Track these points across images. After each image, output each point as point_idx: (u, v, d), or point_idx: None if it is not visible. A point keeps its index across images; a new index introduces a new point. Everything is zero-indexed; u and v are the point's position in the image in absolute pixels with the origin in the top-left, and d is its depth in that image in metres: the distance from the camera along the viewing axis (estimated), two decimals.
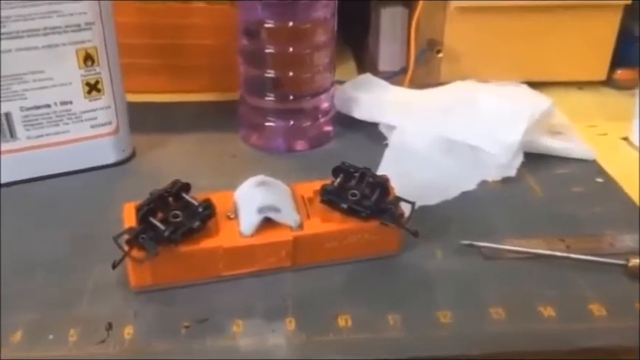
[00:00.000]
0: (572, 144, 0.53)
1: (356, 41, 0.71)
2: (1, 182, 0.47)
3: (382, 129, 0.55)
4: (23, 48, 0.44)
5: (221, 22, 0.59)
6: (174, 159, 0.52)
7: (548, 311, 0.37)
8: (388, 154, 0.51)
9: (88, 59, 0.46)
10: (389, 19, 0.63)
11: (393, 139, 0.53)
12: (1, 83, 0.44)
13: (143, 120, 0.55)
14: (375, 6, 0.65)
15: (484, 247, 0.42)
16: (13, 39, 0.43)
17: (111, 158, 0.50)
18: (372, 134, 0.55)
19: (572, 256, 0.41)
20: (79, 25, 0.45)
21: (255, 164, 0.52)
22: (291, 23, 0.50)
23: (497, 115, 0.51)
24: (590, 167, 0.51)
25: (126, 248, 0.36)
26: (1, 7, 0.42)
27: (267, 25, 0.50)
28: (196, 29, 0.59)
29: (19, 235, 0.43)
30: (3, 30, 0.43)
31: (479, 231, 0.43)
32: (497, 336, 0.36)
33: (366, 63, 0.68)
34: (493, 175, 0.49)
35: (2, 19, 0.43)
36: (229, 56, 0.55)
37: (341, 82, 0.58)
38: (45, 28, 0.44)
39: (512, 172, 0.49)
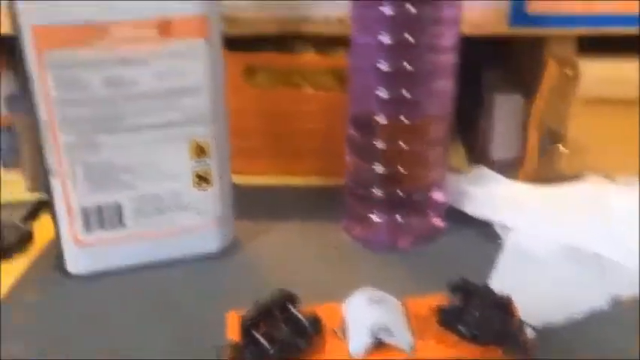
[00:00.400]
0: None
1: (464, 125, 0.68)
2: (105, 269, 0.47)
3: (497, 227, 0.51)
4: (140, 141, 0.44)
5: (329, 107, 0.58)
6: (276, 249, 0.51)
7: None
8: (503, 259, 0.47)
9: (200, 151, 0.46)
10: (504, 107, 0.60)
11: (508, 243, 0.49)
12: (115, 174, 0.45)
13: (247, 203, 0.54)
14: (488, 92, 0.62)
15: None
16: (130, 132, 0.44)
17: (214, 247, 0.50)
18: (486, 231, 0.51)
19: None
20: (195, 119, 0.45)
21: (358, 260, 0.50)
22: (404, 119, 0.48)
23: (632, 223, 0.46)
24: None
25: None
26: (122, 102, 0.43)
27: (378, 120, 0.48)
28: (305, 114, 0.59)
29: (113, 328, 0.42)
30: (122, 124, 0.43)
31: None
32: None
33: (476, 149, 0.65)
34: (627, 292, 0.44)
35: (122, 114, 0.43)
36: (335, 141, 0.54)
37: (451, 170, 0.55)
38: (162, 122, 0.44)
39: None
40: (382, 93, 0.47)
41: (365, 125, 0.49)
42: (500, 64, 0.65)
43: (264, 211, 0.56)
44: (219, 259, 0.49)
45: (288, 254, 0.50)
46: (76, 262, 0.47)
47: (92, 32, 0.40)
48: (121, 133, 0.44)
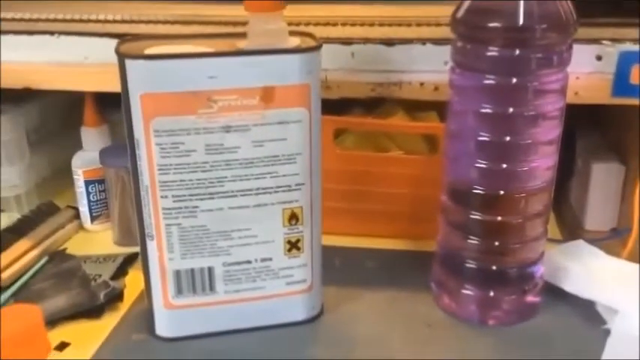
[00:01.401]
0: None
1: (557, 194, 0.66)
2: (194, 334, 0.47)
3: (599, 309, 0.48)
4: (235, 207, 0.44)
5: (417, 172, 0.57)
6: (362, 320, 0.49)
7: None
8: (611, 346, 0.44)
9: (293, 218, 0.46)
10: (602, 175, 0.58)
11: (616, 328, 0.46)
12: (210, 239, 0.44)
13: (334, 267, 0.54)
14: (584, 159, 0.60)
15: None
16: (227, 198, 0.44)
17: (301, 315, 0.48)
18: (586, 312, 0.48)
19: None
20: (289, 186, 0.44)
21: (449, 337, 0.48)
22: (502, 192, 0.46)
23: None
24: None
25: None
26: (221, 167, 0.43)
27: (476, 191, 0.46)
28: (392, 177, 0.58)
29: None
30: (219, 189, 0.43)
31: None
32: None
33: (568, 218, 0.62)
34: None
35: (220, 179, 0.43)
36: (422, 205, 0.52)
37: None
38: (258, 188, 0.44)
39: None
40: (481, 164, 0.46)
41: (461, 195, 0.48)
42: (597, 129, 0.63)
43: (352, 276, 0.55)
44: (307, 328, 0.48)
45: (375, 324, 0.49)
46: (166, 325, 0.47)
47: (198, 100, 0.41)
48: (218, 198, 0.43)
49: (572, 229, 0.60)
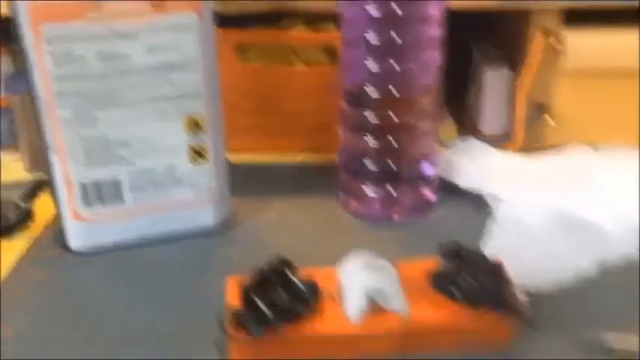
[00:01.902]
0: None
1: (453, 99, 0.69)
2: (105, 244, 0.48)
3: (488, 199, 0.52)
4: (135, 115, 0.45)
5: (321, 83, 0.58)
6: (272, 225, 0.52)
7: None
8: (496, 229, 0.48)
9: (195, 126, 0.47)
10: (494, 80, 0.61)
11: (500, 213, 0.50)
12: (112, 149, 0.45)
13: (243, 181, 0.55)
14: (477, 66, 0.63)
15: (608, 341, 0.38)
16: (126, 107, 0.44)
17: (211, 222, 0.50)
18: (478, 202, 0.52)
19: None
20: (188, 94, 0.46)
21: (354, 234, 0.51)
22: (395, 92, 0.49)
23: (617, 188, 0.47)
24: None
25: (229, 328, 0.35)
26: (117, 76, 0.43)
27: (369, 92, 0.49)
28: (297, 90, 0.59)
29: (118, 301, 0.43)
30: (117, 99, 0.44)
31: (601, 323, 0.40)
32: None
33: (465, 123, 0.66)
34: (614, 256, 0.45)
35: (118, 88, 0.44)
36: (329, 118, 0.54)
37: (442, 143, 0.56)
38: (157, 97, 0.45)
39: (636, 254, 0.45)
40: (372, 65, 0.48)
41: (356, 98, 0.50)
42: (489, 39, 0.66)
43: (260, 188, 0.57)
44: (217, 233, 0.50)
45: (284, 228, 0.51)
46: (77, 237, 0.48)
47: (86, 5, 0.41)
48: (117, 108, 0.44)
49: (469, 133, 0.64)
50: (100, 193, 0.46)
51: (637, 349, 0.37)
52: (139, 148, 0.46)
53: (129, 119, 0.45)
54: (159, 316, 0.41)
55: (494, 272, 0.38)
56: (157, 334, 0.40)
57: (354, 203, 0.53)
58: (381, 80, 0.48)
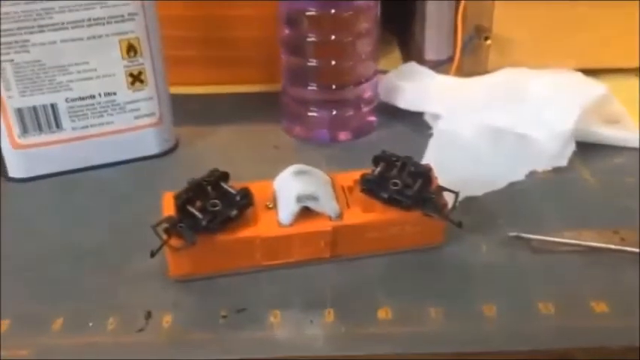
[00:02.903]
0: (629, 133, 0.50)
1: (401, 30, 0.70)
2: (47, 172, 0.48)
3: (427, 118, 0.53)
4: (68, 39, 0.45)
5: (264, 12, 0.58)
6: (216, 150, 0.52)
7: (601, 307, 0.36)
8: (433, 143, 0.50)
9: (131, 50, 0.47)
10: (435, 6, 0.61)
11: (437, 128, 0.51)
12: (47, 74, 0.45)
13: (186, 111, 0.55)
14: None
15: (533, 239, 0.40)
16: (57, 30, 0.44)
17: (154, 149, 0.51)
18: (417, 124, 0.54)
19: (627, 249, 0.39)
20: (122, 16, 0.45)
21: (297, 155, 0.52)
22: (333, 11, 0.49)
23: (548, 102, 0.49)
24: None
25: (164, 237, 0.36)
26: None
27: (308, 13, 0.49)
28: (239, 20, 0.59)
29: (61, 224, 0.43)
30: (48, 22, 0.44)
31: (527, 223, 0.42)
32: (546, 331, 0.34)
33: (411, 52, 0.66)
34: (543, 165, 0.47)
35: (47, 11, 0.43)
36: (273, 47, 0.55)
37: (386, 72, 0.57)
38: (89, 19, 0.44)
39: (564, 162, 0.47)
40: None
41: (295, 20, 0.50)
42: None
43: (204, 117, 0.57)
44: (160, 159, 0.51)
45: (228, 154, 0.52)
46: (17, 166, 0.48)
47: None
48: (49, 31, 0.44)
49: (415, 61, 0.65)
50: (37, 120, 0.46)
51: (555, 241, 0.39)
52: (75, 74, 0.46)
53: (62, 43, 0.45)
54: (97, 234, 0.42)
55: (421, 175, 0.39)
56: (96, 250, 0.41)
57: (297, 127, 0.54)
58: (318, 0, 0.49)
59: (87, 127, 0.48)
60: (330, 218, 0.38)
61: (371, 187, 0.38)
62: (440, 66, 0.60)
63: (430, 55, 0.63)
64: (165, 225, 0.36)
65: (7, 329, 0.35)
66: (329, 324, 0.35)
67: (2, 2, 0.42)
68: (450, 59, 0.60)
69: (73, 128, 0.48)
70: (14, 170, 0.48)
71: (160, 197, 0.39)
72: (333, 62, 0.51)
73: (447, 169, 0.42)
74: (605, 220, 0.42)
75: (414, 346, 0.34)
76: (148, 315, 0.36)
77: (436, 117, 0.53)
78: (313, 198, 0.37)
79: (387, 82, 0.55)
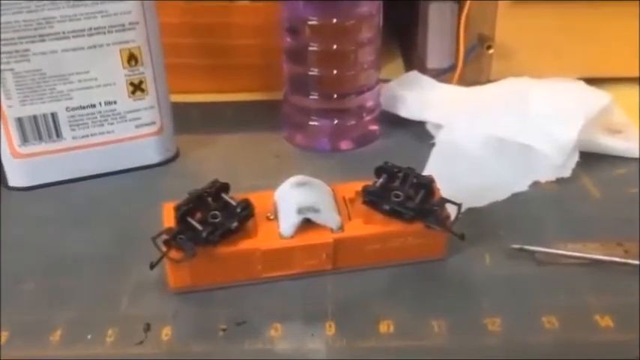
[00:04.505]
0: (632, 143, 0.50)
1: (404, 38, 0.69)
2: (47, 182, 0.48)
3: (429, 128, 0.53)
4: (68, 48, 0.44)
5: (265, 20, 0.58)
6: (217, 159, 0.52)
7: (605, 320, 0.35)
8: (435, 153, 0.49)
9: (132, 59, 0.46)
10: (437, 14, 0.61)
11: (439, 138, 0.51)
12: (47, 84, 0.45)
13: (187, 120, 0.55)
14: (423, 1, 0.63)
15: (536, 251, 0.40)
16: (58, 40, 0.44)
17: (155, 158, 0.50)
18: (419, 133, 0.53)
19: (631, 261, 0.38)
20: (123, 25, 0.45)
21: (298, 164, 0.51)
22: (334, 20, 0.49)
23: (551, 112, 0.48)
24: None
25: (164, 249, 0.36)
26: (47, 7, 0.43)
27: (310, 23, 0.49)
28: (240, 28, 0.59)
29: (61, 234, 0.43)
30: (48, 31, 0.43)
31: (531, 234, 0.41)
32: (549, 346, 0.34)
33: (414, 60, 0.66)
34: (546, 176, 0.47)
35: (48, 20, 0.43)
36: (274, 55, 0.54)
37: (388, 81, 0.57)
38: (89, 29, 0.44)
39: (567, 173, 0.46)
40: None
41: (297, 29, 0.50)
42: None
43: (205, 126, 0.57)
44: (161, 168, 0.51)
45: (229, 164, 0.51)
46: (16, 175, 0.47)
47: None
48: (50, 40, 0.44)
49: (417, 69, 0.64)
50: (37, 130, 0.46)
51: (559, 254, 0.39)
52: (76, 83, 0.46)
53: (63, 53, 0.44)
54: (98, 244, 0.42)
55: (424, 187, 0.39)
56: (96, 261, 0.40)
57: (299, 136, 0.54)
58: (320, 10, 0.48)
59: (87, 136, 0.48)
60: (331, 230, 0.38)
61: (373, 198, 0.38)
62: (442, 75, 0.60)
63: (432, 63, 0.63)
64: (164, 237, 0.36)
65: (6, 341, 0.35)
66: (330, 337, 0.35)
67: (3, 12, 0.42)
68: (453, 68, 0.60)
69: (74, 137, 0.47)
70: (14, 179, 0.48)
71: (161, 207, 0.38)
72: (335, 71, 0.51)
73: (449, 179, 0.41)
74: (609, 232, 0.41)
75: (416, 359, 0.33)
76: (147, 327, 0.35)
77: (438, 126, 0.52)
78: (314, 210, 0.37)
79: (389, 91, 0.55)
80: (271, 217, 0.38)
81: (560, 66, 0.58)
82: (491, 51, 0.59)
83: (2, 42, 0.43)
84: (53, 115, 0.46)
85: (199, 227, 0.36)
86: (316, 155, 0.53)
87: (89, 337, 0.35)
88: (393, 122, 0.54)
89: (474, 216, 0.42)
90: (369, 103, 0.53)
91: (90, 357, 0.34)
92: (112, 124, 0.48)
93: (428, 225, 0.38)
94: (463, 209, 0.39)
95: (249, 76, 0.61)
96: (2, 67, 0.43)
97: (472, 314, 0.36)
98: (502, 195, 0.45)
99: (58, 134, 0.47)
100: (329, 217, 0.38)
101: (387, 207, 0.38)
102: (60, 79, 0.45)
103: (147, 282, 0.38)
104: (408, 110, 0.54)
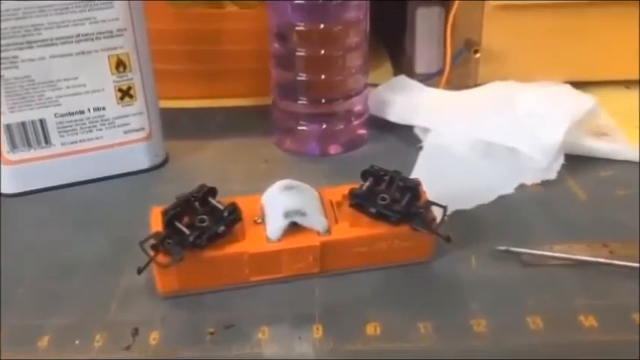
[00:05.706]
0: (618, 145, 0.50)
1: (392, 43, 0.70)
2: (37, 188, 0.48)
3: (417, 132, 0.54)
4: (57, 55, 0.45)
5: (254, 26, 0.58)
6: (207, 164, 0.52)
7: (590, 321, 0.35)
8: (422, 157, 0.50)
9: (120, 65, 0.47)
10: (425, 19, 0.62)
11: (427, 142, 0.51)
12: (36, 90, 0.45)
13: (177, 126, 0.56)
14: (410, 6, 0.63)
15: (522, 253, 0.40)
16: (47, 46, 0.44)
17: (144, 164, 0.51)
18: (407, 137, 0.54)
19: (617, 262, 0.39)
20: (111, 32, 0.45)
21: (287, 169, 0.51)
22: (322, 25, 0.49)
23: (537, 115, 0.49)
24: (637, 169, 0.49)
25: (152, 253, 0.36)
26: (35, 14, 0.43)
27: (298, 28, 0.49)
28: (230, 34, 0.59)
29: (50, 240, 0.43)
30: (37, 37, 0.44)
31: (517, 236, 0.42)
32: (534, 346, 0.34)
33: (402, 65, 0.67)
34: (532, 179, 0.47)
35: (36, 27, 0.43)
36: (264, 61, 0.55)
37: (376, 85, 0.57)
38: (77, 35, 0.45)
39: (553, 175, 0.47)
40: (299, 1, 0.48)
41: (285, 35, 0.50)
42: None
43: (195, 131, 0.57)
44: (150, 174, 0.51)
45: (218, 169, 0.51)
46: (5, 181, 0.47)
47: None
48: (38, 47, 0.44)
49: (405, 74, 0.65)
50: (26, 136, 0.46)
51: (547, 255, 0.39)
52: (64, 89, 0.46)
53: (52, 59, 0.45)
54: (86, 250, 0.42)
55: (410, 190, 0.39)
56: (84, 267, 0.40)
57: (288, 141, 0.54)
58: (307, 15, 0.49)
59: (76, 142, 0.48)
60: (318, 233, 0.38)
61: (359, 202, 0.38)
62: (430, 79, 0.61)
63: (420, 68, 0.64)
64: (152, 241, 0.36)
65: None
66: (317, 340, 0.35)
67: None
68: (440, 72, 0.60)
69: (63, 144, 0.48)
70: (4, 186, 0.48)
71: (149, 212, 0.39)
72: (323, 76, 0.51)
73: (436, 182, 0.42)
74: (594, 233, 0.42)
75: None
76: (135, 332, 0.36)
77: (426, 130, 0.53)
78: (301, 213, 0.37)
79: (378, 96, 0.56)
80: (259, 221, 0.39)
81: (546, 69, 0.58)
82: (478, 55, 0.59)
83: None
84: (42, 122, 0.46)
85: (187, 231, 0.36)
86: (305, 160, 0.53)
87: (77, 342, 0.35)
88: (382, 126, 0.55)
89: (461, 218, 0.43)
90: (357, 108, 0.54)
91: None
92: (100, 130, 0.48)
93: (414, 228, 0.38)
94: (450, 212, 0.39)
95: (239, 82, 0.61)
96: None
97: (458, 316, 0.36)
98: (488, 197, 0.45)
99: (47, 140, 0.47)
100: (316, 220, 0.38)
101: (373, 210, 0.38)
102: (48, 86, 0.45)
103: (136, 287, 0.38)
104: (396, 114, 0.54)
